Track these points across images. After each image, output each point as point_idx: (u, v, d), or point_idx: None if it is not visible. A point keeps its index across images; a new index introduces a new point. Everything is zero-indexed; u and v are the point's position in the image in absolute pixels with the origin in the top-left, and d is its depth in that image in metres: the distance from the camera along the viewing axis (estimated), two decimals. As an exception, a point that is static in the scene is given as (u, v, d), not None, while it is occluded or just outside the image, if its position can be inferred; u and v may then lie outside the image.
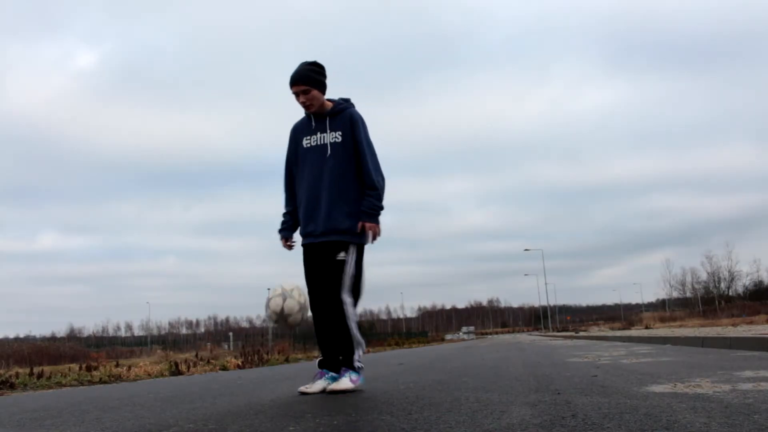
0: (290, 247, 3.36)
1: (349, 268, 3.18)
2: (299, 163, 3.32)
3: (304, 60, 3.27)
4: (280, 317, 3.23)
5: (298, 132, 3.36)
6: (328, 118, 3.26)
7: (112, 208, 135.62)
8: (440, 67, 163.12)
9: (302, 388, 3.16)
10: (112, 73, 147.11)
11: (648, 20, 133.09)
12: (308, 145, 3.28)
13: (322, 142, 3.24)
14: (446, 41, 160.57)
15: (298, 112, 3.39)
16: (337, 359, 3.18)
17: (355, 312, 3.21)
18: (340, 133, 3.23)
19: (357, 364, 3.18)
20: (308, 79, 3.18)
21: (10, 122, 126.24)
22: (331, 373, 3.16)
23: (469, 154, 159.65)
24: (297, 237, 3.36)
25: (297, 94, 3.20)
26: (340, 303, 3.14)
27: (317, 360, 3.31)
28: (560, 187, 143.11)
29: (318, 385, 3.13)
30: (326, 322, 3.18)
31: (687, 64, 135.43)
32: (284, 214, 3.41)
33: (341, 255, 3.17)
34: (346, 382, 3.09)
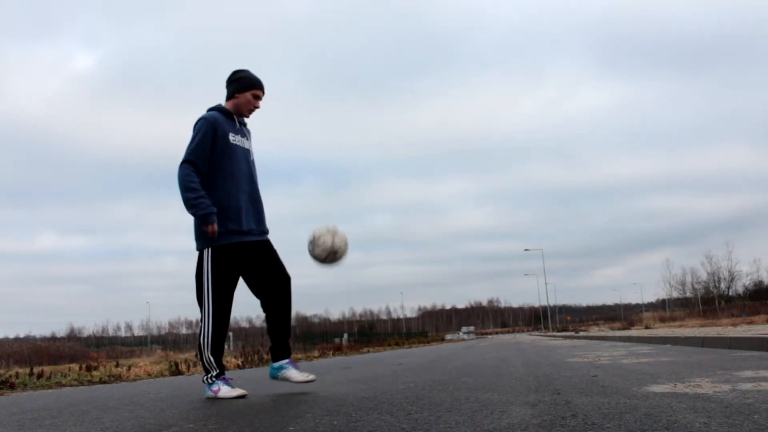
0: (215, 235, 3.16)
1: None
2: (225, 156, 3.23)
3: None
4: (330, 254, 3.28)
5: (223, 125, 3.26)
6: (243, 128, 3.45)
7: (111, 209, 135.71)
8: (436, 69, 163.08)
9: (302, 378, 3.25)
10: (110, 74, 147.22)
11: (642, 22, 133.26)
12: (234, 143, 3.30)
13: (245, 146, 3.39)
14: (441, 43, 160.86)
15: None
16: (286, 347, 3.31)
17: None
18: (251, 144, 3.49)
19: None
20: None
21: (10, 123, 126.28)
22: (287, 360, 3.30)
23: (466, 155, 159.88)
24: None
25: (258, 98, 3.39)
26: (290, 293, 3.32)
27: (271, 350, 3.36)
28: (559, 188, 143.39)
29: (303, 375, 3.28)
30: (281, 313, 3.29)
31: (682, 66, 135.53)
32: (204, 194, 3.13)
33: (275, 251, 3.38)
34: (305, 374, 3.28)
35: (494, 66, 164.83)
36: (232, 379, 3.28)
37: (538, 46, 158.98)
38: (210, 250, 3.17)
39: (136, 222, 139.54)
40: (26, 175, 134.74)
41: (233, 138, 3.29)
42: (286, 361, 3.28)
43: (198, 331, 3.25)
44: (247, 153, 3.40)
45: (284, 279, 3.32)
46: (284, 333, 3.29)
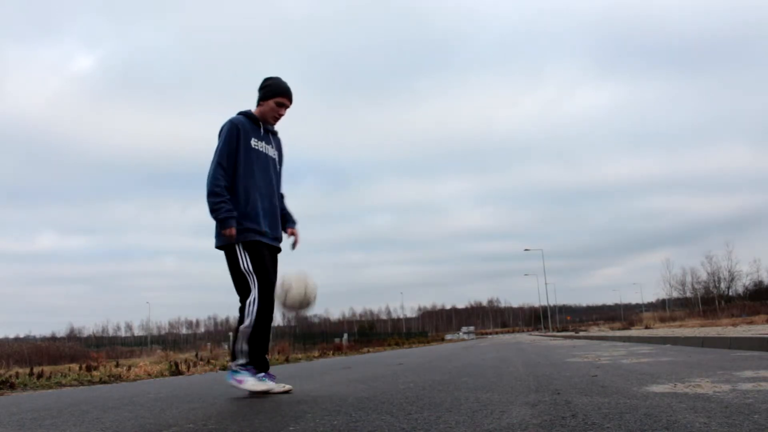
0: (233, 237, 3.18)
1: None
2: (245, 159, 3.28)
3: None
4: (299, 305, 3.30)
5: (246, 130, 3.32)
6: (271, 134, 3.48)
7: (111, 209, 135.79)
8: (435, 69, 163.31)
9: (278, 389, 3.20)
10: (110, 74, 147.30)
11: (642, 22, 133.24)
12: (256, 147, 3.34)
13: (269, 153, 3.43)
14: (441, 43, 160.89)
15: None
16: (265, 360, 3.27)
17: None
18: (277, 153, 3.52)
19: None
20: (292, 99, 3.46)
21: (10, 124, 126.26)
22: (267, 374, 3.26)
23: (465, 155, 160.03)
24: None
25: (282, 106, 3.40)
26: (273, 307, 3.26)
27: (244, 358, 3.28)
28: (558, 188, 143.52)
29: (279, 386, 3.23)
30: (265, 325, 3.25)
31: (682, 66, 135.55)
32: (227, 199, 3.18)
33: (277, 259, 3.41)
34: (282, 385, 3.25)
35: (494, 66, 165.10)
36: (274, 376, 3.27)
37: (538, 46, 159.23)
38: (241, 244, 3.22)
39: (136, 222, 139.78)
40: (26, 175, 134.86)
41: (255, 143, 3.33)
42: (263, 375, 3.24)
43: (238, 320, 3.22)
44: (269, 159, 3.40)
45: (273, 294, 3.28)
46: (265, 346, 3.27)
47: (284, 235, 3.49)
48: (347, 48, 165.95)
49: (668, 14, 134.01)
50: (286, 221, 3.54)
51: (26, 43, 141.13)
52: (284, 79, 3.43)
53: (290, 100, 3.43)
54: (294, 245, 3.53)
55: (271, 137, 3.48)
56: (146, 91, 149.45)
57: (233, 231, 3.16)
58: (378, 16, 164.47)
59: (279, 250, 3.42)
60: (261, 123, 3.41)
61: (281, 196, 3.56)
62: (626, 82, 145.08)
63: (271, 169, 3.41)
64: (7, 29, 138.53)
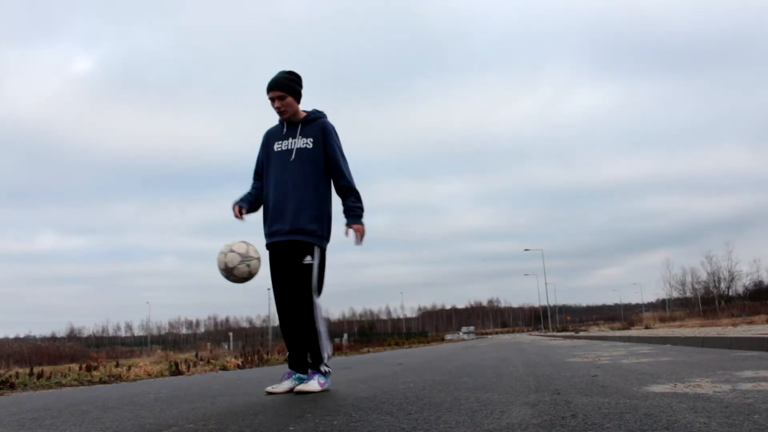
0: (241, 217, 3.34)
1: (315, 272, 3.24)
2: (268, 166, 3.39)
3: (285, 67, 3.41)
4: (228, 273, 3.22)
5: (271, 136, 3.45)
6: (300, 125, 3.37)
7: (111, 209, 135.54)
8: (435, 69, 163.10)
9: (269, 388, 3.25)
10: (110, 74, 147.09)
11: (641, 22, 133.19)
12: (278, 149, 3.37)
13: (291, 147, 3.34)
14: (440, 43, 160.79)
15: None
16: (305, 360, 3.25)
17: (323, 314, 3.30)
18: (311, 140, 3.34)
19: (324, 368, 3.23)
20: (284, 86, 3.31)
21: (10, 125, 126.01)
22: (298, 374, 3.25)
23: (466, 155, 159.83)
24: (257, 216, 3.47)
25: (272, 100, 3.33)
26: (311, 306, 3.19)
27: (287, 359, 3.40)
28: (558, 188, 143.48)
29: (285, 385, 3.22)
30: (294, 323, 3.24)
31: (682, 66, 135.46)
32: (248, 193, 3.47)
33: (308, 259, 3.22)
34: (314, 385, 3.13)
35: (493, 66, 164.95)
36: (289, 373, 3.30)
37: (538, 46, 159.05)
38: None
39: (136, 222, 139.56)
40: (26, 175, 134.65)
41: (278, 146, 3.38)
42: (288, 374, 3.28)
43: None
44: (293, 154, 3.31)
45: (294, 289, 3.23)
46: (292, 346, 3.27)
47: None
48: (347, 48, 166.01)
49: (668, 14, 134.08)
50: (346, 217, 3.34)
51: (26, 44, 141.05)
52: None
53: (272, 91, 3.30)
54: (356, 241, 3.32)
55: (301, 128, 3.36)
56: (146, 91, 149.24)
57: (236, 209, 3.35)
58: (377, 16, 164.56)
59: (292, 241, 3.22)
60: (284, 122, 3.42)
61: (344, 182, 3.35)
62: (625, 82, 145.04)
63: (292, 165, 3.30)
64: (7, 29, 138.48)
